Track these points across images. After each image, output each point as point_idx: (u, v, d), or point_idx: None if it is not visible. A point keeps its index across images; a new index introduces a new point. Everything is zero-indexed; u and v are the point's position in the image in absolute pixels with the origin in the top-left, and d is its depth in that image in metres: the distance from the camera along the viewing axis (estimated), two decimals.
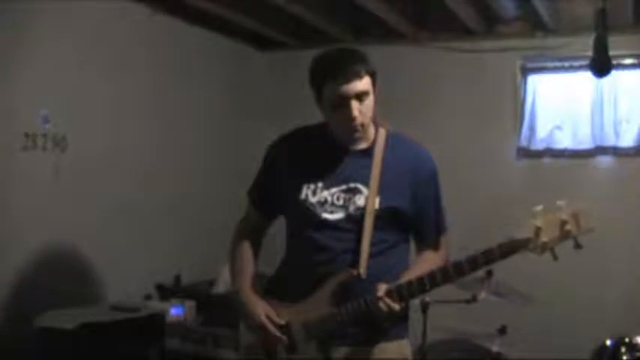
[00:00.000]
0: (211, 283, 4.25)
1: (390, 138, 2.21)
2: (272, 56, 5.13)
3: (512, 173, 4.48)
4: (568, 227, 1.85)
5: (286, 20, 4.56)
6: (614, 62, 3.66)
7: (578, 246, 1.87)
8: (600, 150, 4.31)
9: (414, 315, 3.49)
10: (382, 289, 2.01)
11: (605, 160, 4.32)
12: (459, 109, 4.64)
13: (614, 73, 3.76)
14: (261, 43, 5.01)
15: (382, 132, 2.21)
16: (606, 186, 4.29)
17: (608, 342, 3.30)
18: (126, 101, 3.92)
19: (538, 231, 1.86)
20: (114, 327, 3.15)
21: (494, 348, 3.51)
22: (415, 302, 3.49)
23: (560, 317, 4.18)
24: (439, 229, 2.25)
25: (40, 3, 3.34)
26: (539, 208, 1.88)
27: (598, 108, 4.30)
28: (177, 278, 4.14)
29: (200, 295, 4.01)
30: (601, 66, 3.57)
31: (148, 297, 3.92)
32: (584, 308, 4.18)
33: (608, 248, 4.21)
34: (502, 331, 3.52)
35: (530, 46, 4.43)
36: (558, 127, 4.41)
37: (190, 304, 3.88)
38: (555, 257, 1.88)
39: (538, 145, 4.45)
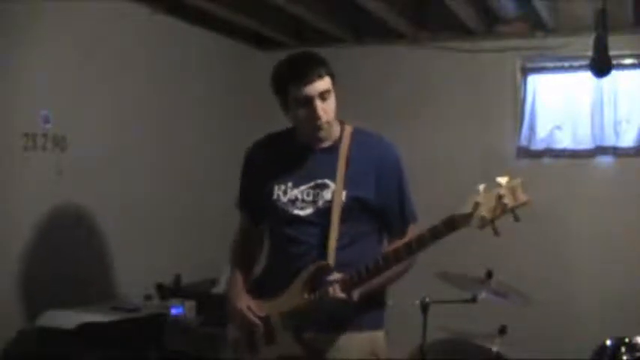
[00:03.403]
0: (211, 283, 4.25)
1: (355, 134, 2.30)
2: (272, 56, 5.10)
3: (512, 173, 4.46)
4: (505, 200, 1.90)
5: (286, 20, 4.56)
6: (614, 62, 3.66)
7: (516, 218, 1.91)
8: (600, 150, 4.31)
9: (414, 315, 3.52)
10: (333, 277, 2.11)
11: (605, 160, 4.32)
12: (458, 109, 4.64)
13: (614, 73, 3.76)
14: (261, 43, 5.01)
15: (348, 129, 2.31)
16: (606, 186, 4.29)
17: (608, 342, 3.29)
18: (126, 101, 3.92)
19: (477, 206, 1.92)
20: (114, 327, 3.15)
21: (494, 348, 3.50)
22: (415, 302, 3.51)
23: (560, 317, 4.18)
24: (405, 218, 2.31)
25: (40, 3, 3.35)
26: (480, 186, 1.94)
27: (598, 108, 4.30)
28: (178, 278, 4.14)
29: (200, 295, 4.01)
30: (601, 66, 3.57)
31: (148, 297, 3.91)
32: (584, 308, 4.19)
33: (608, 248, 4.22)
34: (502, 331, 3.52)
35: (530, 46, 4.43)
36: (558, 127, 4.41)
37: (190, 304, 3.87)
38: (496, 232, 1.92)
39: (538, 145, 4.45)
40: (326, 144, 2.28)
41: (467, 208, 1.94)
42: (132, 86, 3.95)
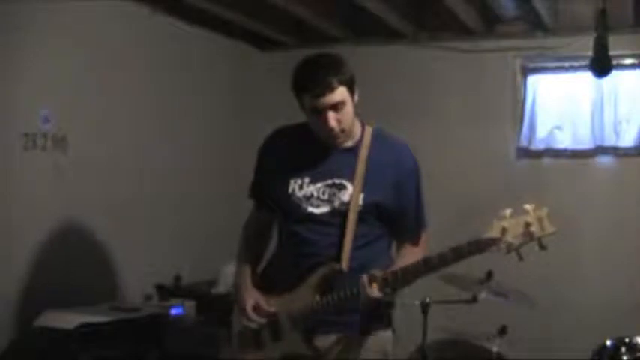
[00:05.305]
0: (211, 283, 4.25)
1: (376, 136, 2.29)
2: (272, 56, 5.13)
3: (512, 173, 4.48)
4: (532, 229, 1.93)
5: (286, 20, 4.56)
6: (614, 62, 3.66)
7: (542, 247, 1.95)
8: (600, 150, 4.31)
9: (414, 315, 3.51)
10: (373, 274, 2.08)
11: (605, 160, 4.32)
12: (458, 109, 4.64)
13: (614, 73, 3.76)
14: (262, 43, 5.01)
15: (368, 130, 2.30)
16: (606, 186, 4.29)
17: (608, 342, 3.29)
18: (126, 101, 3.92)
19: (504, 231, 1.95)
20: (114, 327, 3.15)
21: (495, 348, 3.50)
22: (415, 302, 3.51)
23: (560, 317, 4.18)
24: (419, 225, 2.33)
25: (40, 3, 3.34)
26: (507, 211, 1.97)
27: (598, 108, 4.30)
28: (177, 278, 4.14)
29: (200, 295, 4.01)
30: (601, 66, 3.57)
31: (148, 297, 3.92)
32: (585, 308, 4.18)
33: (608, 248, 4.22)
34: (502, 331, 3.52)
35: (530, 46, 4.43)
36: (558, 127, 4.41)
37: (190, 304, 3.88)
38: (521, 258, 1.97)
39: (538, 145, 4.45)
40: (346, 144, 2.26)
41: (494, 232, 1.96)
42: (132, 86, 3.95)
